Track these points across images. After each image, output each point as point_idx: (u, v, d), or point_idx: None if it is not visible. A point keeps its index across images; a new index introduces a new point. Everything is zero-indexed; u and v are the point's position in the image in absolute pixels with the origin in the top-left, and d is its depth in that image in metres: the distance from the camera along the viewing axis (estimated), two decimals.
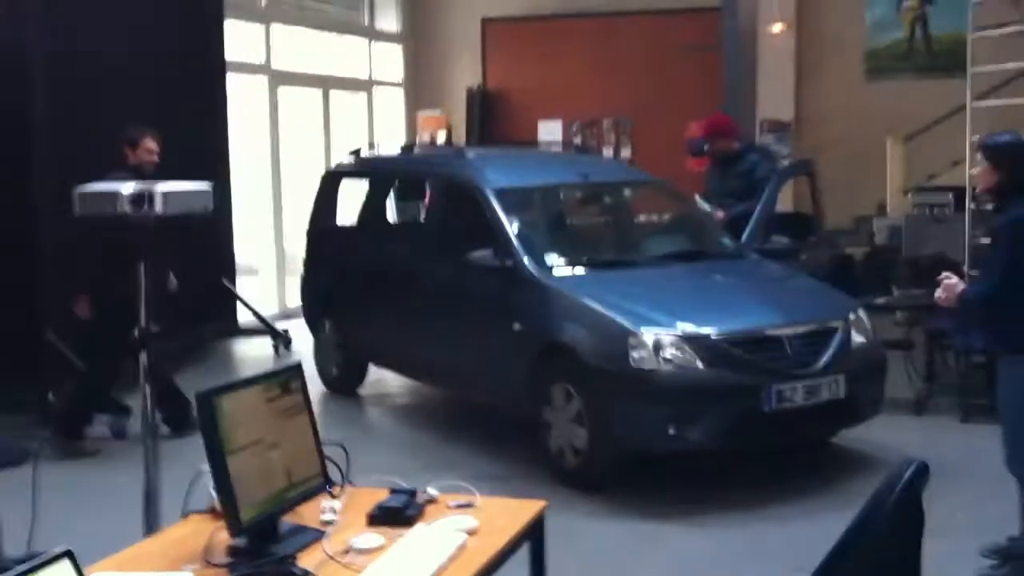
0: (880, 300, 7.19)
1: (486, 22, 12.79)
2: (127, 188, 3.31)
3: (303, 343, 8.64)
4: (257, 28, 10.52)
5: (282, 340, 9.09)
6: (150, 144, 6.12)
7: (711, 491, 5.52)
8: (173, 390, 6.21)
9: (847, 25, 12.32)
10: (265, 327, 9.19)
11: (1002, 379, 4.39)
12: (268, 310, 9.91)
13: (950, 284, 4.42)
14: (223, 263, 9.32)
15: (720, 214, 7.51)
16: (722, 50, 9.16)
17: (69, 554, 2.04)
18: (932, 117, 10.65)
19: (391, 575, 2.45)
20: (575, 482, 5.56)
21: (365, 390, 7.77)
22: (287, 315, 9.89)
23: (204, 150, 8.84)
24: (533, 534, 2.99)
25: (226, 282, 9.29)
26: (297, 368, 2.92)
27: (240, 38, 10.06)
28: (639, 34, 12.21)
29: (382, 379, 7.82)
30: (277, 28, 10.83)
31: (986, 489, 5.21)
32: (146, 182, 3.38)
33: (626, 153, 12.67)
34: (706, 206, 7.48)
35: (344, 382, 7.64)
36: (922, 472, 2.28)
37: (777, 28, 12.17)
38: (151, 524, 3.39)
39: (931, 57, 12.08)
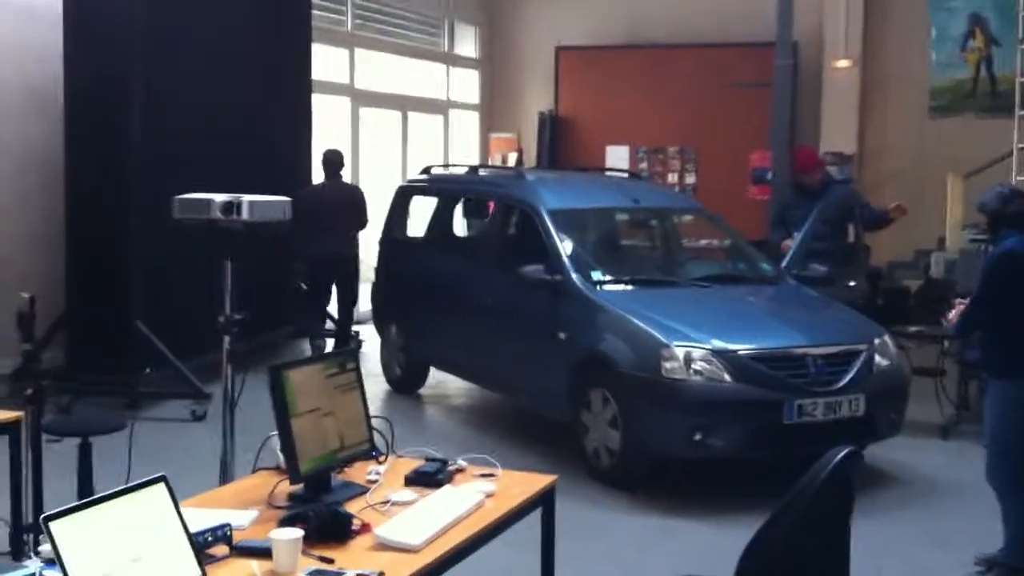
0: (912, 329, 7.56)
1: (560, 50, 13.36)
2: (219, 197, 3.95)
3: (374, 345, 9.30)
4: (342, 52, 11.26)
5: (353, 342, 9.73)
6: None
7: (732, 495, 5.95)
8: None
9: (912, 63, 12.62)
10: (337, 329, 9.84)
11: (988, 399, 4.82)
12: None
13: (962, 310, 4.88)
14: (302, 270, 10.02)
15: (788, 242, 7.98)
16: (773, 88, 9.60)
17: (164, 479, 2.62)
18: (993, 155, 10.92)
19: (416, 520, 2.99)
20: (608, 480, 6.07)
21: (426, 390, 8.37)
22: (361, 320, 10.54)
23: (291, 164, 9.58)
24: (545, 502, 3.50)
25: (302, 285, 9.97)
26: (353, 353, 3.49)
27: (326, 61, 10.78)
28: (705, 66, 12.66)
29: (443, 382, 8.40)
30: (361, 53, 11.57)
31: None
32: (234, 194, 4.00)
33: (690, 179, 13.14)
34: (791, 239, 7.96)
35: (406, 382, 8.25)
36: (852, 457, 2.73)
37: (843, 64, 12.55)
38: (224, 482, 4.00)
39: (995, 97, 12.30)
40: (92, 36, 7.54)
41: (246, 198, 3.98)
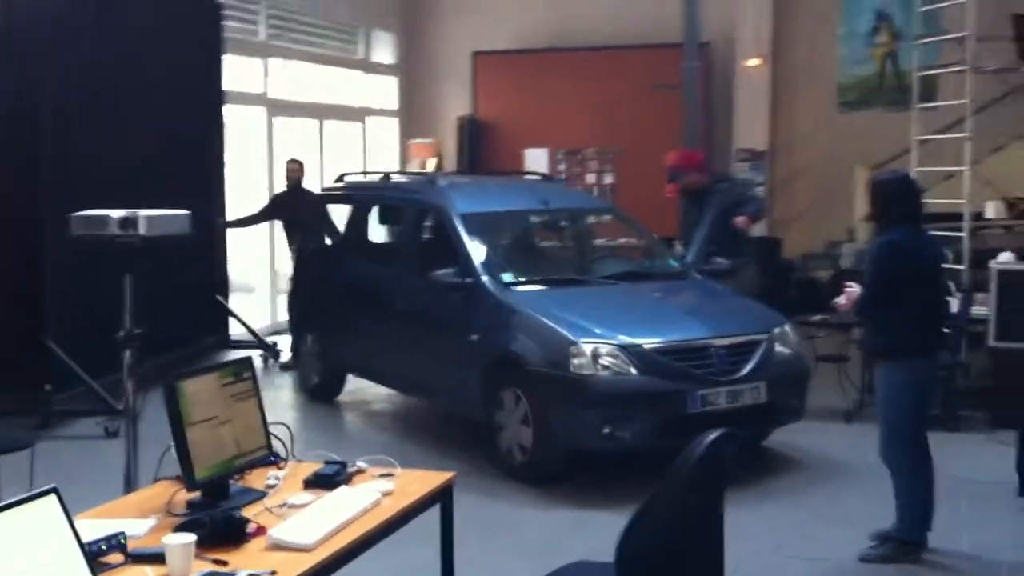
0: (816, 317, 7.82)
1: (476, 55, 13.52)
2: (116, 213, 4.00)
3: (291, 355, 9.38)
4: (256, 62, 11.27)
5: (271, 352, 9.77)
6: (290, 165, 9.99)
7: (642, 486, 6.11)
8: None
9: (821, 59, 13.00)
10: (255, 340, 9.89)
11: (877, 381, 5.06)
12: (261, 325, 10.63)
13: (852, 293, 5.10)
14: (218, 281, 10.05)
15: (677, 248, 8.20)
16: (683, 89, 9.86)
17: (55, 491, 2.68)
18: (901, 148, 11.25)
19: (311, 521, 3.09)
20: (522, 477, 6.20)
21: (345, 397, 8.42)
22: (278, 330, 10.57)
23: (203, 176, 9.59)
24: (443, 499, 3.62)
25: (220, 298, 10.02)
26: (248, 360, 3.58)
27: (239, 71, 10.78)
28: (622, 68, 12.89)
29: (360, 388, 8.47)
30: (275, 62, 11.58)
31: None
32: (131, 210, 4.05)
33: (609, 180, 13.35)
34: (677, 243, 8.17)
35: (324, 390, 8.30)
36: (725, 439, 2.89)
37: (754, 62, 12.86)
38: (128, 491, 4.06)
39: (901, 91, 12.62)
40: (1, 49, 7.48)
41: (143, 213, 4.03)
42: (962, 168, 8.86)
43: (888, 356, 5.00)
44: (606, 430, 5.85)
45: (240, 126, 10.84)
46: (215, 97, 9.93)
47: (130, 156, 8.19)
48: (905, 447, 5.01)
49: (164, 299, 7.49)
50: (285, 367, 9.33)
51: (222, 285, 10.14)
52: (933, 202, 8.59)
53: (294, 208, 9.33)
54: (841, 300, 5.18)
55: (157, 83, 8.81)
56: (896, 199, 5.01)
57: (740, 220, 8.03)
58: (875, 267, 4.96)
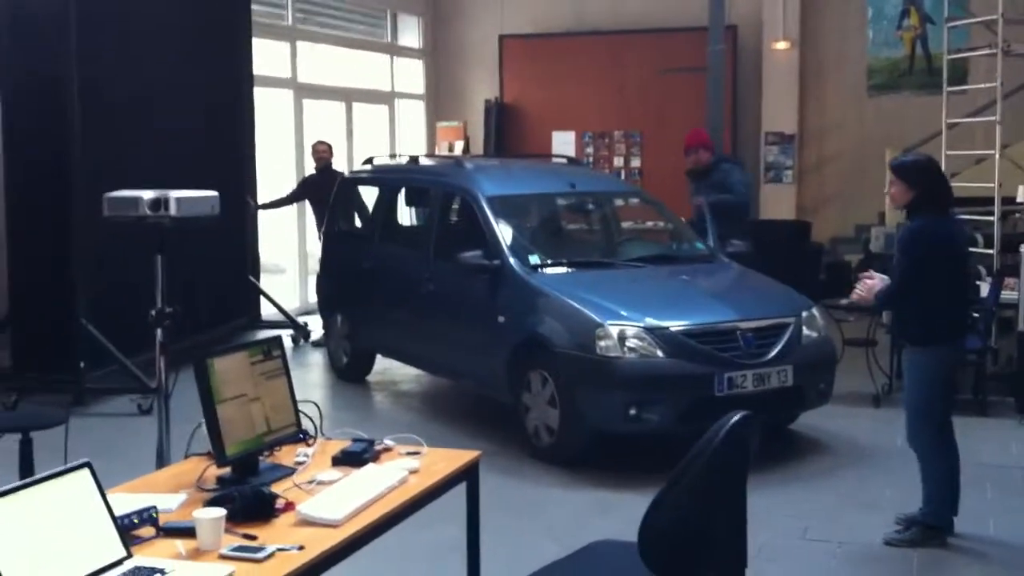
0: (843, 301, 7.76)
1: (503, 38, 13.50)
2: (147, 194, 4.06)
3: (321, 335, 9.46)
4: (283, 46, 11.32)
5: (301, 332, 9.86)
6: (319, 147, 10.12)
7: (666, 468, 6.11)
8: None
9: (849, 43, 12.90)
10: (286, 320, 9.97)
11: (904, 367, 5.03)
12: (291, 305, 10.73)
13: (869, 284, 5.05)
14: (249, 262, 10.14)
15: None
16: (707, 73, 9.81)
17: (88, 465, 2.74)
18: (930, 131, 11.15)
19: (338, 497, 3.13)
20: (549, 458, 6.23)
21: (374, 377, 8.49)
22: (308, 311, 10.67)
23: (233, 158, 9.66)
24: (469, 478, 3.65)
25: (252, 279, 10.12)
26: (277, 339, 3.62)
27: (268, 55, 10.84)
28: (648, 51, 12.85)
29: (388, 368, 8.53)
30: (302, 46, 11.63)
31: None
32: (162, 190, 4.10)
33: (636, 163, 13.34)
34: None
35: (353, 370, 8.37)
36: (746, 421, 2.89)
37: (782, 45, 12.78)
38: (160, 467, 4.12)
39: (931, 74, 12.52)
40: (26, 32, 7.53)
41: (173, 194, 4.08)
42: (992, 152, 8.79)
43: (915, 341, 4.97)
44: (632, 412, 5.87)
45: (269, 109, 10.90)
46: (243, 80, 9.98)
47: (160, 139, 8.26)
48: (932, 432, 4.99)
49: (196, 279, 7.59)
50: (317, 344, 9.40)
51: (253, 266, 10.24)
52: (963, 186, 8.56)
53: (325, 189, 9.38)
54: (858, 291, 5.08)
55: (186, 66, 8.88)
56: (923, 185, 4.95)
57: (697, 201, 8.01)
58: (908, 255, 4.91)
